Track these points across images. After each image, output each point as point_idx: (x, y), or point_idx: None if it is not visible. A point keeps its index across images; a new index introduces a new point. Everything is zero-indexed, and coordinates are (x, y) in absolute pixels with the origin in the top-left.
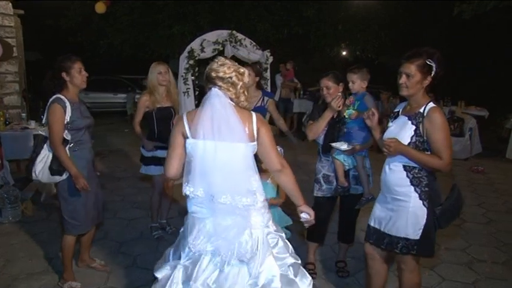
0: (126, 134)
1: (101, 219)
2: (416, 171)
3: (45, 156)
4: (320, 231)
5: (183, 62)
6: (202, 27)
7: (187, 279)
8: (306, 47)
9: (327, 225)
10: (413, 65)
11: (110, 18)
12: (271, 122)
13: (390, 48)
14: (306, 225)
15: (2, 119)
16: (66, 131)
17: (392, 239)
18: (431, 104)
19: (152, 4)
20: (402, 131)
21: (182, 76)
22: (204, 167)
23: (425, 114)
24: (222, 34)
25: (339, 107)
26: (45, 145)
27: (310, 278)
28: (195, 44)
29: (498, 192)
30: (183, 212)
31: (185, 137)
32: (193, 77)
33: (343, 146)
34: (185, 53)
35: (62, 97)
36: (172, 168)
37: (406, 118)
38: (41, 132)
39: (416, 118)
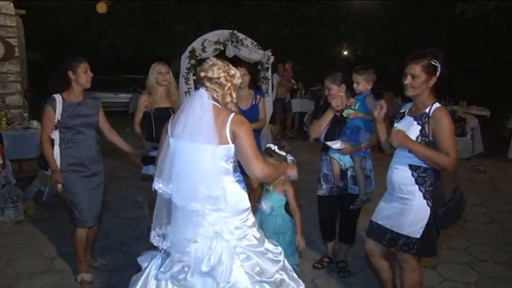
0: (127, 134)
1: (92, 223)
2: (422, 170)
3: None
4: (327, 229)
5: (185, 62)
6: (203, 27)
7: (161, 267)
8: (307, 47)
9: (332, 223)
10: (418, 66)
11: (110, 18)
12: (273, 121)
13: (390, 48)
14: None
15: (4, 119)
16: (55, 131)
17: (394, 235)
18: (436, 104)
19: (152, 4)
20: (408, 131)
21: (184, 76)
22: (172, 165)
23: (430, 114)
24: (223, 34)
25: (338, 107)
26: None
27: None
28: (196, 44)
29: (500, 192)
30: None
31: (167, 135)
32: (194, 77)
33: (336, 145)
34: (186, 53)
35: (57, 97)
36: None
37: (412, 119)
38: None
39: (422, 118)
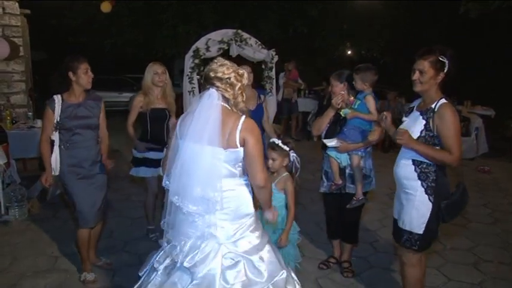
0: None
1: (103, 219)
2: (424, 166)
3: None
4: (331, 227)
5: (189, 61)
6: (207, 26)
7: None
8: (310, 46)
9: (335, 221)
10: (426, 62)
11: (114, 17)
12: (277, 121)
13: (392, 48)
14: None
15: (8, 118)
16: (55, 132)
17: (400, 231)
18: (442, 100)
19: (156, 4)
20: (414, 125)
21: (187, 75)
22: (182, 165)
23: (436, 109)
24: (227, 33)
25: (338, 104)
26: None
27: None
28: (200, 43)
29: (504, 192)
30: None
31: (176, 135)
32: (198, 76)
33: (331, 143)
34: (190, 52)
35: (56, 98)
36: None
37: (418, 113)
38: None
39: (427, 113)
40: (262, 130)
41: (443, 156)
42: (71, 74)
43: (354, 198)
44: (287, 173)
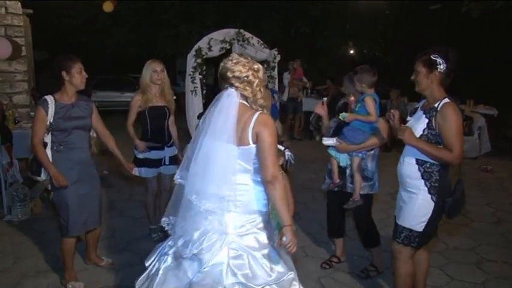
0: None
1: (97, 224)
2: (428, 165)
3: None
4: (331, 225)
5: (191, 61)
6: (209, 26)
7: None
8: (312, 46)
9: (337, 219)
10: (419, 61)
11: (116, 17)
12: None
13: (394, 48)
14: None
15: (11, 118)
16: (48, 134)
17: (398, 228)
18: (446, 100)
19: (158, 4)
20: (416, 124)
21: (190, 75)
22: (199, 161)
23: (438, 108)
24: (229, 33)
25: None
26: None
27: None
28: (202, 43)
29: (507, 191)
30: None
31: (200, 134)
32: (200, 76)
33: (329, 141)
34: (193, 52)
35: (48, 98)
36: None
37: (422, 112)
38: None
39: (430, 112)
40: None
41: (444, 154)
42: (64, 73)
43: (351, 199)
44: (282, 171)
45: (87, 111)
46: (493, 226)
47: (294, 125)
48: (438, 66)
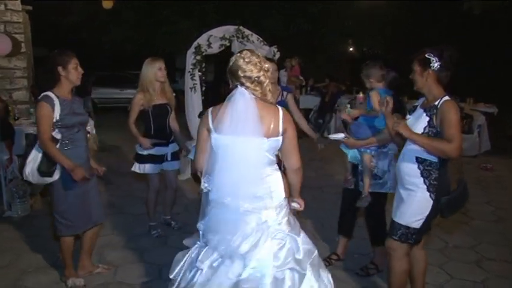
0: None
1: (100, 221)
2: (428, 163)
3: (35, 157)
4: (344, 222)
5: (190, 58)
6: (208, 23)
7: (198, 257)
8: (312, 43)
9: (349, 217)
10: (415, 60)
11: (115, 14)
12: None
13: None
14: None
15: (11, 114)
16: (56, 130)
17: (395, 225)
18: (445, 98)
19: (157, 4)
20: (417, 122)
21: (189, 72)
22: (225, 161)
23: (439, 106)
24: (229, 30)
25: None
26: (36, 145)
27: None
28: (201, 40)
29: (507, 190)
30: (190, 208)
31: (209, 132)
32: (200, 73)
33: (336, 136)
34: (192, 49)
35: (51, 94)
36: (200, 162)
37: (422, 110)
38: (32, 132)
39: (430, 110)
40: None
41: (443, 145)
42: (60, 69)
43: (362, 195)
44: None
45: (83, 108)
46: (492, 224)
47: None
48: (432, 65)
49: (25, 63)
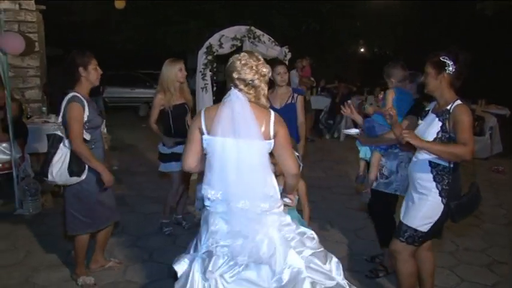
0: (143, 129)
1: (116, 218)
2: (441, 168)
3: (62, 156)
4: (381, 233)
5: (202, 58)
6: (219, 23)
7: (205, 270)
8: (322, 43)
9: (380, 222)
10: (428, 62)
11: (127, 15)
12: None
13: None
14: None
15: (24, 113)
16: (84, 131)
17: (402, 226)
18: (457, 102)
19: (163, 4)
20: (429, 127)
21: (200, 72)
22: (224, 165)
23: (451, 111)
24: (240, 30)
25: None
26: (60, 145)
27: (335, 259)
28: (213, 40)
29: None
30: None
31: (201, 133)
32: (211, 73)
33: (350, 131)
34: (203, 49)
35: (79, 95)
36: (188, 162)
37: (434, 115)
38: (56, 132)
39: (443, 115)
40: (295, 131)
41: (456, 149)
42: (81, 69)
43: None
44: None
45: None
46: (504, 228)
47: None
48: (447, 68)
49: (38, 62)
